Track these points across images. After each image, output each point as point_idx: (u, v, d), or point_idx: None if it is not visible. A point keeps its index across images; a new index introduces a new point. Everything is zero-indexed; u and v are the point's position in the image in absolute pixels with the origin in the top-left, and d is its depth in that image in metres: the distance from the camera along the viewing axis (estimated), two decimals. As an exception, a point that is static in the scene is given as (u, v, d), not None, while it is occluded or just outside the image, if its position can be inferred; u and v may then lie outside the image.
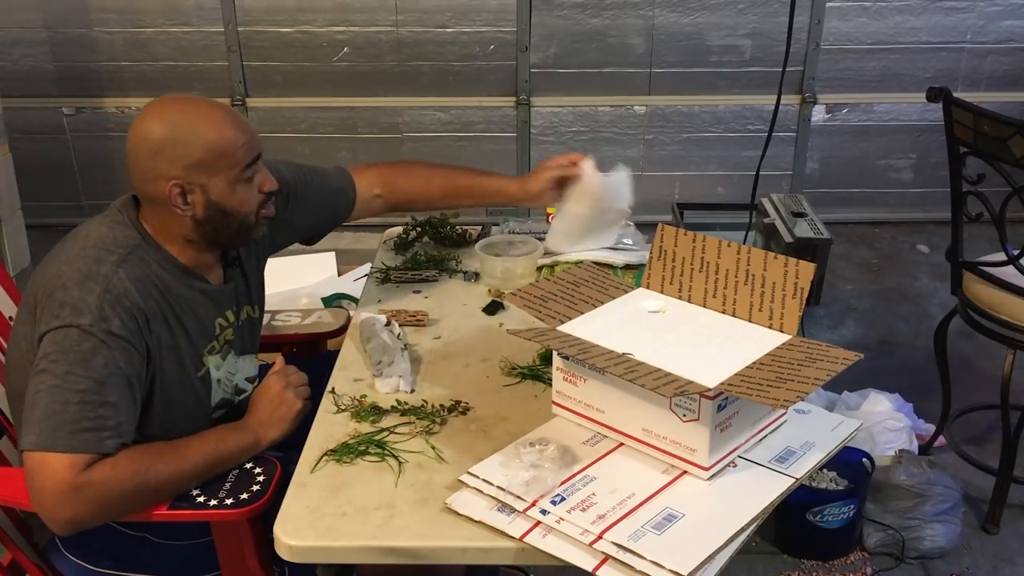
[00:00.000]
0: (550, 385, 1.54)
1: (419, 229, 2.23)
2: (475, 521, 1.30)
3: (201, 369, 1.61)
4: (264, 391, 1.61)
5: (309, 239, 1.98)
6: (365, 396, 1.60)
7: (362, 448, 1.46)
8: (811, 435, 1.46)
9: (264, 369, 2.04)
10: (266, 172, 1.61)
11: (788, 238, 3.40)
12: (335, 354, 1.77)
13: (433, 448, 1.47)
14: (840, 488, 2.39)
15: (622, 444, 1.43)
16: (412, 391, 1.63)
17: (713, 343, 1.46)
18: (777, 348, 1.44)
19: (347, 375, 1.68)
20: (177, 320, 1.56)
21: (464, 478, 1.36)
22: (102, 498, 1.39)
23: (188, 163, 1.51)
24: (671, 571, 1.17)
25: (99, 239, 1.52)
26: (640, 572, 1.18)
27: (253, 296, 1.77)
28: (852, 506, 2.36)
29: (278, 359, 1.70)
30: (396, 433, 1.51)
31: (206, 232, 1.57)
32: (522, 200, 2.02)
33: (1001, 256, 2.32)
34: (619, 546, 1.21)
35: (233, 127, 1.54)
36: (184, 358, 1.58)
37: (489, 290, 1.99)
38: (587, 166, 1.96)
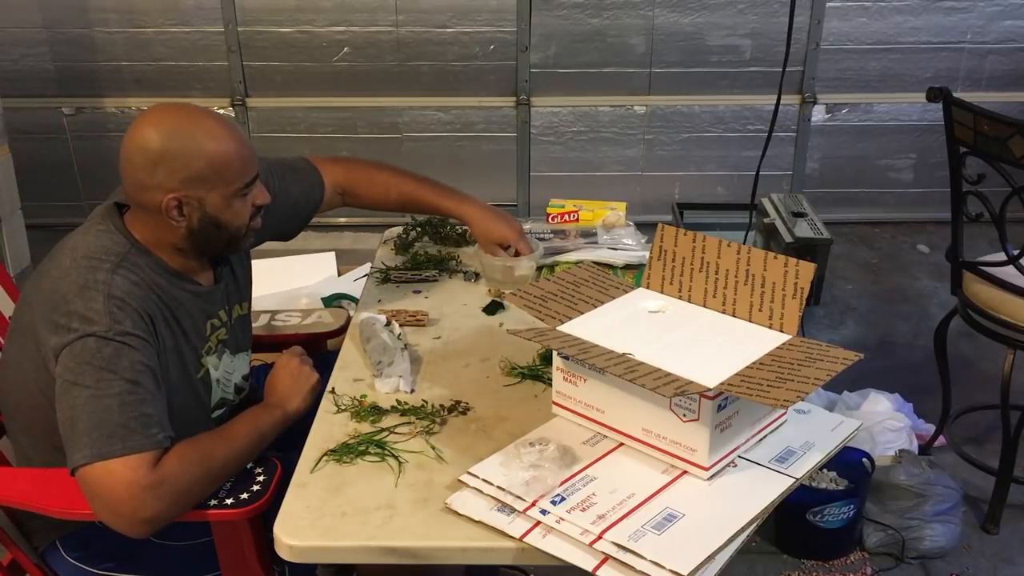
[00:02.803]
0: (550, 385, 1.54)
1: (419, 229, 2.23)
2: (475, 521, 1.30)
3: (200, 370, 1.62)
4: (280, 369, 1.67)
5: (283, 237, 1.97)
6: (365, 396, 1.60)
7: (362, 448, 1.46)
8: (811, 435, 1.46)
9: (257, 369, 2.05)
10: (260, 187, 1.60)
11: (788, 238, 3.40)
12: (335, 354, 1.77)
13: (433, 448, 1.47)
14: (840, 488, 2.39)
15: (622, 444, 1.43)
16: (412, 391, 1.63)
17: (713, 343, 1.46)
18: (777, 348, 1.44)
19: (347, 375, 1.68)
20: (176, 322, 1.56)
21: (464, 478, 1.36)
22: (178, 490, 1.40)
23: (187, 176, 1.49)
24: (671, 571, 1.17)
25: (88, 249, 1.50)
26: (640, 572, 1.18)
27: (243, 293, 1.78)
28: (852, 506, 2.36)
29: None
30: (396, 433, 1.51)
31: (197, 242, 1.56)
32: (474, 230, 2.01)
33: (1001, 256, 2.31)
34: (619, 546, 1.21)
35: (234, 141, 1.52)
36: (185, 360, 1.58)
37: (489, 290, 1.99)
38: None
